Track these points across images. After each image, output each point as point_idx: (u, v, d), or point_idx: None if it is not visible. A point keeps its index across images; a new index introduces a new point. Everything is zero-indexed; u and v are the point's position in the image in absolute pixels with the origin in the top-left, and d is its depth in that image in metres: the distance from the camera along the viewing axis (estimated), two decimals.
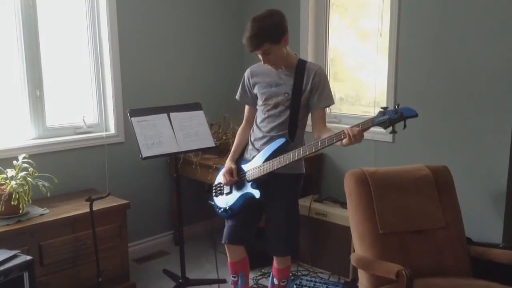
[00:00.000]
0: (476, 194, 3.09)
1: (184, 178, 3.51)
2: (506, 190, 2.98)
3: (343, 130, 2.23)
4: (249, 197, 2.57)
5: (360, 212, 2.60)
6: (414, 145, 3.36)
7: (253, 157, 2.60)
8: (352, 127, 2.22)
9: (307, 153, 2.35)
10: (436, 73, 3.20)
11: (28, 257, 2.51)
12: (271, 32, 2.36)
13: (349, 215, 2.66)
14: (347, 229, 2.86)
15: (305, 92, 2.49)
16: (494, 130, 2.99)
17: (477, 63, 3.01)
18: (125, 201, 3.24)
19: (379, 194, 2.62)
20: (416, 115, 2.11)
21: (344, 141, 2.23)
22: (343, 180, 2.72)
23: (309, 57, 3.90)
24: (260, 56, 2.44)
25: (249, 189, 2.57)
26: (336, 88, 4.00)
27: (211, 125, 3.31)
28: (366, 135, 3.44)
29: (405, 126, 2.14)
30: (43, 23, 3.32)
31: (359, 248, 2.56)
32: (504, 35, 2.88)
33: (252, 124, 2.68)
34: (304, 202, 3.58)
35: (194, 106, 3.05)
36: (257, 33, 2.33)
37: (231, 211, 2.65)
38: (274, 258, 2.73)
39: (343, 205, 3.31)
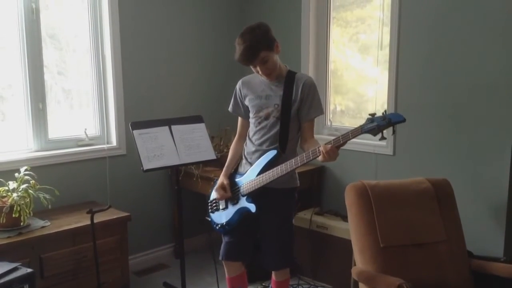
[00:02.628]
0: (477, 207, 3.09)
1: (185, 190, 3.51)
2: (507, 203, 2.98)
3: (318, 147, 2.27)
4: (245, 212, 2.58)
5: (360, 225, 2.59)
6: (415, 158, 3.36)
7: (246, 171, 2.61)
8: (326, 143, 2.25)
9: (294, 167, 2.38)
10: (436, 86, 3.22)
11: (29, 270, 2.51)
12: (264, 39, 2.42)
13: (350, 228, 2.66)
14: (348, 242, 2.85)
15: (295, 102, 2.51)
16: (494, 142, 2.99)
17: (477, 76, 3.02)
18: (126, 214, 3.25)
19: (380, 207, 2.62)
20: (403, 120, 2.14)
21: (320, 158, 2.27)
22: (344, 193, 2.72)
23: (310, 70, 3.93)
24: (257, 69, 2.46)
25: (244, 203, 2.57)
26: (337, 100, 4.02)
27: (212, 138, 3.32)
28: (367, 148, 3.51)
29: (394, 131, 2.18)
30: (46, 36, 3.36)
31: (360, 262, 2.56)
32: (504, 47, 2.90)
33: (245, 138, 2.70)
34: (305, 215, 3.58)
35: (195, 119, 3.06)
36: (252, 42, 2.38)
37: (228, 227, 2.65)
38: (272, 272, 2.72)
39: (344, 218, 3.30)
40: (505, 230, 3.01)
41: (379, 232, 2.56)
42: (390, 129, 2.16)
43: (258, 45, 2.38)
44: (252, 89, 2.61)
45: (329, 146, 2.22)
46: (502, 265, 2.51)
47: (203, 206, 2.94)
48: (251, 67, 2.49)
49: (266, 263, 2.67)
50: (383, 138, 2.18)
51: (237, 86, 2.69)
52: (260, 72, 2.48)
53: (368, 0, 3.70)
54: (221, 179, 2.68)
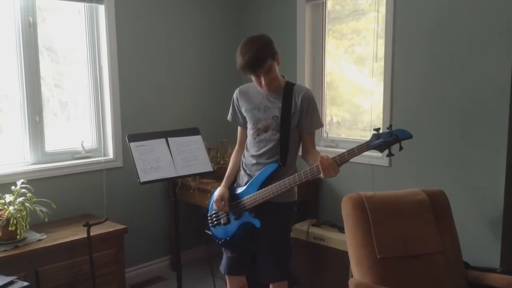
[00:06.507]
0: (472, 218, 3.09)
1: (182, 202, 3.51)
2: (502, 213, 2.98)
3: (315, 165, 2.29)
4: (249, 226, 2.56)
5: (357, 237, 2.60)
6: (411, 169, 3.37)
7: (246, 183, 2.58)
8: (332, 158, 2.24)
9: (298, 182, 2.38)
10: (431, 97, 3.24)
11: (25, 283, 2.49)
12: (269, 48, 2.41)
13: (347, 240, 2.66)
14: (345, 254, 2.85)
15: (295, 114, 2.49)
16: (489, 153, 3.00)
17: (471, 87, 3.04)
18: (122, 226, 3.24)
19: (377, 219, 2.62)
20: (411, 137, 2.12)
21: (321, 175, 2.27)
22: (340, 204, 2.73)
23: (306, 82, 3.95)
24: (260, 79, 2.41)
25: (248, 218, 2.55)
26: (333, 112, 4.04)
27: (209, 150, 3.32)
28: (363, 159, 3.52)
29: (401, 148, 2.15)
30: (43, 49, 3.37)
31: (357, 273, 2.55)
32: (500, 59, 2.92)
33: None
34: (301, 227, 3.58)
35: (192, 131, 3.06)
36: (258, 51, 2.35)
37: (232, 241, 2.62)
38: (270, 285, 2.69)
39: (341, 229, 3.30)
40: (501, 241, 3.01)
41: (376, 243, 2.56)
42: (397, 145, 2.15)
43: (264, 54, 2.36)
44: (250, 100, 2.58)
45: (329, 161, 2.22)
46: (499, 276, 2.51)
47: (200, 218, 2.93)
48: (253, 77, 2.46)
49: (261, 275, 2.63)
50: (390, 154, 2.15)
51: (234, 96, 2.66)
52: (263, 83, 2.42)
53: (363, 13, 3.74)
54: (222, 190, 2.63)
